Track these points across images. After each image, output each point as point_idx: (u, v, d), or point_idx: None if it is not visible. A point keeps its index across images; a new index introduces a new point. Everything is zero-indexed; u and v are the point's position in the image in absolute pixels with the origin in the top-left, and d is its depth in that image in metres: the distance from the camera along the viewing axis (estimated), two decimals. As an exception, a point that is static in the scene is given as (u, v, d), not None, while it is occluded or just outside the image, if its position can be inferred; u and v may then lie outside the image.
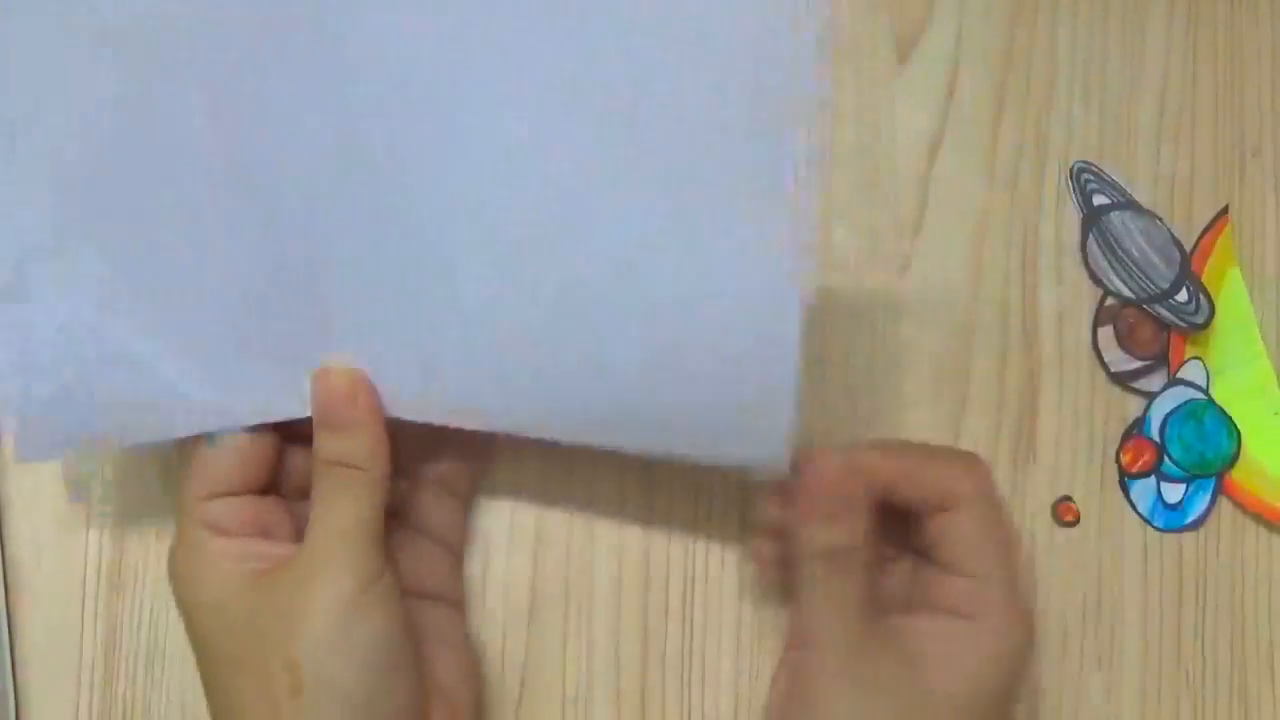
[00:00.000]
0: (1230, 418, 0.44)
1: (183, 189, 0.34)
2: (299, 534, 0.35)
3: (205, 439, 0.35)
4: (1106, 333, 0.44)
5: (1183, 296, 0.44)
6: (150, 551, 0.40)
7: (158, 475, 0.41)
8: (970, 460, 0.36)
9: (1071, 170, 0.45)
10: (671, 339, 0.30)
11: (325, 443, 0.34)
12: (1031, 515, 0.43)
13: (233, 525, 0.35)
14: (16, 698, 0.39)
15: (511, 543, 0.41)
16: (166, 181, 0.34)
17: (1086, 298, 0.44)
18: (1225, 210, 0.45)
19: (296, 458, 0.37)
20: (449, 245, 0.33)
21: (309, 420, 0.35)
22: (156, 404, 0.35)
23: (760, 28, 0.30)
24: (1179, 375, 0.44)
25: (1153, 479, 0.44)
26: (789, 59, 0.29)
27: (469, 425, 0.34)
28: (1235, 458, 0.44)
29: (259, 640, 0.33)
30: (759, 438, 0.29)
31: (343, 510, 0.33)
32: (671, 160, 0.30)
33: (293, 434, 0.36)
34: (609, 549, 0.42)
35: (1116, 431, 0.44)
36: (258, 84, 0.33)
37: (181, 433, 0.35)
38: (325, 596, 0.32)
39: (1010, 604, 0.34)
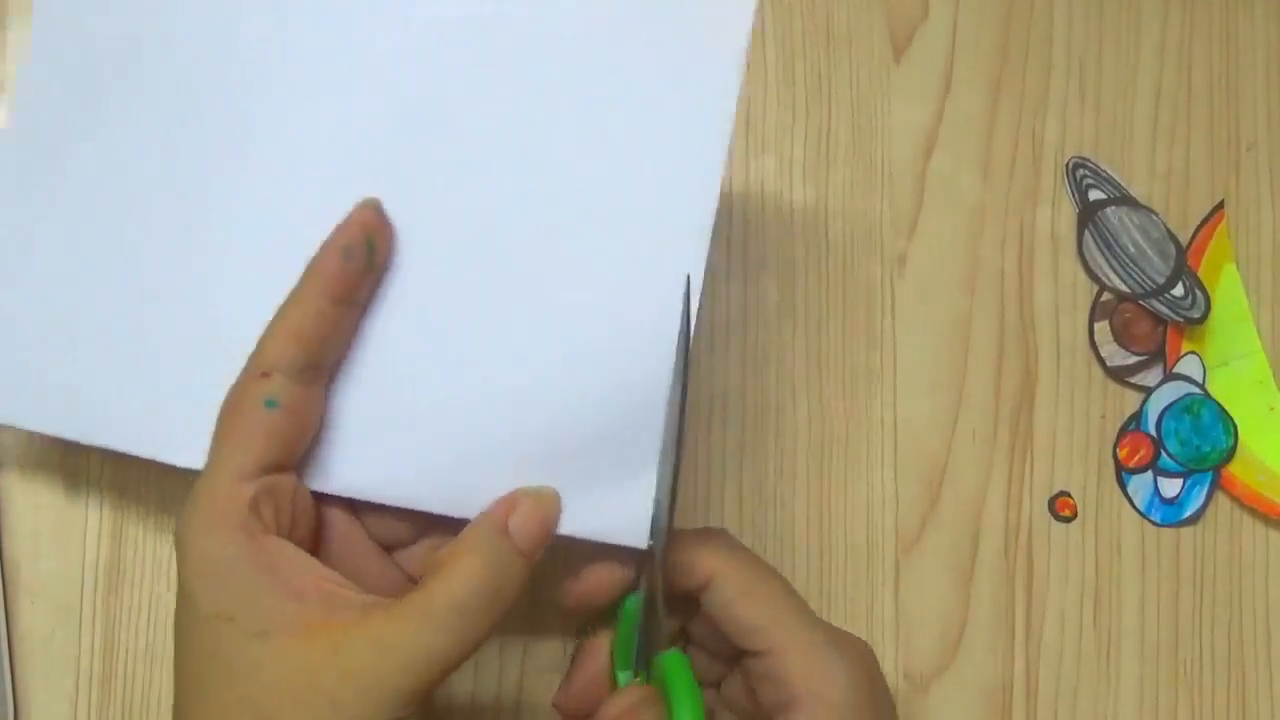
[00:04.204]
0: (1227, 412, 0.44)
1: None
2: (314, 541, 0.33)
3: (256, 402, 0.30)
4: (1103, 328, 0.44)
5: (1179, 291, 0.44)
6: (148, 551, 0.40)
7: (158, 474, 0.41)
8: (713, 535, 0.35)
9: (1067, 165, 0.45)
10: (566, 434, 0.33)
11: (510, 562, 0.31)
12: (1029, 510, 0.43)
13: (282, 520, 0.31)
14: (15, 697, 0.39)
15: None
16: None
17: (1083, 293, 0.44)
18: (1221, 205, 0.45)
19: None
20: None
21: None
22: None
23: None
24: (1175, 370, 0.44)
25: (1150, 473, 0.44)
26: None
27: (412, 506, 0.34)
28: (1232, 452, 0.44)
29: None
30: (624, 519, 0.33)
31: (476, 631, 0.30)
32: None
33: None
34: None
35: (1113, 426, 0.44)
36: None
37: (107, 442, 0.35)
38: (399, 690, 0.29)
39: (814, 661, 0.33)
